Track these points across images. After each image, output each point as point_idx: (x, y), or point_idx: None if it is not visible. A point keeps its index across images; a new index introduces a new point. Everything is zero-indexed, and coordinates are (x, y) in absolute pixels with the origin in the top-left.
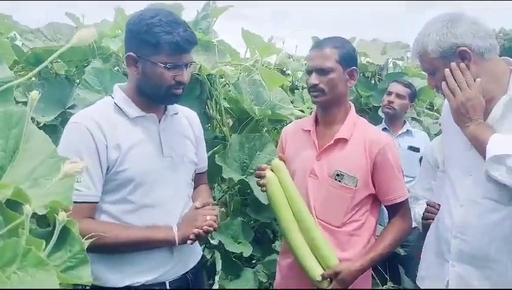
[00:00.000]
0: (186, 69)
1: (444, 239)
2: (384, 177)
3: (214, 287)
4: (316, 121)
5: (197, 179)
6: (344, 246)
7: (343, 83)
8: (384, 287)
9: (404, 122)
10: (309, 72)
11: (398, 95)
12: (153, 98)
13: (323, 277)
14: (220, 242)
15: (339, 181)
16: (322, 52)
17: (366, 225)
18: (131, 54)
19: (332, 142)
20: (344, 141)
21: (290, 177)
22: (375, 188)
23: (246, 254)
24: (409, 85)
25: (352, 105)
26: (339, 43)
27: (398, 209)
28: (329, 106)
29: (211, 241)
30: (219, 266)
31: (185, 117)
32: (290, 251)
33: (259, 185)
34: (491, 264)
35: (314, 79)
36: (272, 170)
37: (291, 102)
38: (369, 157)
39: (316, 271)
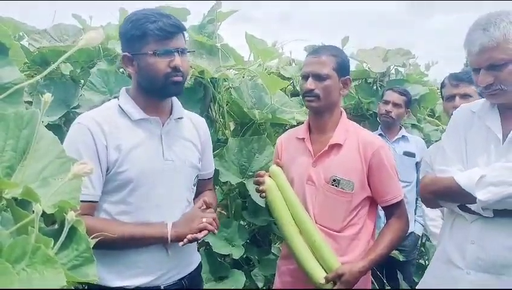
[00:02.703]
0: (179, 55)
1: (458, 245)
2: (379, 178)
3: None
4: (309, 129)
5: (203, 185)
6: (344, 250)
7: (337, 91)
8: None
9: (400, 127)
10: (305, 77)
11: (395, 104)
12: (154, 91)
13: (327, 280)
14: (207, 243)
15: (336, 186)
16: (320, 59)
17: (365, 228)
18: (125, 54)
19: (326, 148)
20: (338, 146)
21: (288, 182)
22: (371, 190)
23: (236, 256)
24: (404, 93)
25: (343, 111)
26: (335, 52)
27: (395, 210)
28: (322, 112)
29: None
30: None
31: (191, 122)
32: (292, 254)
33: (258, 191)
34: (511, 271)
35: (310, 84)
36: (270, 176)
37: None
38: (364, 160)
39: (319, 274)
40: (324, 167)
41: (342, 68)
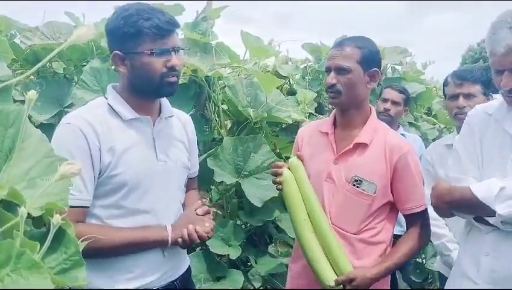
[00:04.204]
0: (175, 54)
1: (472, 257)
2: (403, 185)
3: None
4: (335, 124)
5: (189, 184)
6: (359, 254)
7: (362, 85)
8: None
9: (398, 126)
10: (328, 71)
11: (394, 102)
12: (148, 91)
13: (337, 283)
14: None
15: (357, 187)
16: (343, 51)
17: (383, 233)
18: (116, 52)
19: (351, 146)
20: (364, 145)
21: (307, 177)
22: (393, 195)
23: (233, 257)
24: (403, 91)
25: (373, 109)
26: (361, 43)
27: (417, 219)
28: (348, 108)
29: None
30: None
31: (179, 120)
32: (303, 253)
33: (274, 183)
34: None
35: (331, 78)
36: (289, 168)
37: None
38: (389, 164)
39: (329, 275)
40: (346, 165)
41: (368, 60)
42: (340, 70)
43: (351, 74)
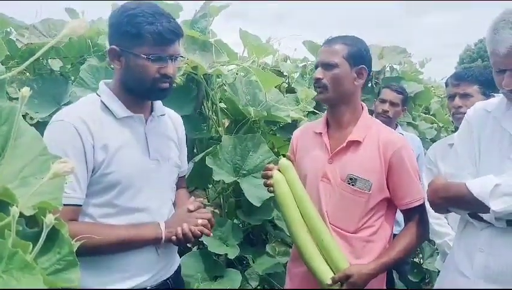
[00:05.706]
0: (171, 62)
1: (466, 253)
2: (399, 180)
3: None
4: (328, 124)
5: (178, 183)
6: (359, 253)
7: (349, 81)
8: None
9: (396, 125)
10: (316, 67)
11: (392, 103)
12: (138, 93)
13: (334, 280)
14: (201, 242)
15: (352, 185)
16: (330, 48)
17: (381, 230)
18: (113, 47)
19: (344, 144)
20: (357, 143)
21: (298, 177)
22: (390, 191)
23: (232, 256)
24: (401, 91)
25: (365, 106)
26: (349, 41)
27: (414, 214)
28: (336, 104)
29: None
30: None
31: (170, 119)
32: (299, 253)
33: (265, 185)
34: None
35: (318, 73)
36: (279, 170)
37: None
38: (384, 160)
39: (326, 274)
40: (341, 164)
41: (355, 57)
42: (327, 66)
43: (337, 69)
